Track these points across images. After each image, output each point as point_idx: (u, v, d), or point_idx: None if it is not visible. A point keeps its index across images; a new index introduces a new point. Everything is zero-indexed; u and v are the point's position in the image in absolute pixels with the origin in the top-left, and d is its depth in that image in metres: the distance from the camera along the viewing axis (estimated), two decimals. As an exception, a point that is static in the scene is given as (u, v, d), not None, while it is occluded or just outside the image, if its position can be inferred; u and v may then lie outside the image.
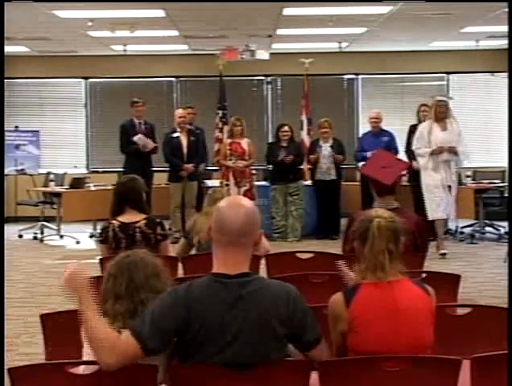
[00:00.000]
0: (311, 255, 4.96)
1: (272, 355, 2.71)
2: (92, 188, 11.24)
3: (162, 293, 2.83)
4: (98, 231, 5.36)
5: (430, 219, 9.09)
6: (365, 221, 3.08)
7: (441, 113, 9.30)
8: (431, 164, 9.27)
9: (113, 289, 2.96)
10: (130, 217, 5.03)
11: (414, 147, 9.54)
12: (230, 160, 10.41)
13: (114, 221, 5.02)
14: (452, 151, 9.23)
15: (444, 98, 9.64)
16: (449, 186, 9.25)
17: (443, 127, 9.30)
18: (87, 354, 2.88)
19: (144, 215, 5.06)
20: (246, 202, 2.83)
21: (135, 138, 10.58)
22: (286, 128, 10.74)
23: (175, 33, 10.87)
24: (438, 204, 9.21)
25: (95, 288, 2.78)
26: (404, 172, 9.69)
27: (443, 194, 9.23)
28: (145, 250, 3.17)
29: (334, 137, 10.87)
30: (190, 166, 10.50)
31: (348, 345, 3.00)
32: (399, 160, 5.82)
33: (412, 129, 10.71)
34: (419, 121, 10.61)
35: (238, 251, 2.74)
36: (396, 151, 10.30)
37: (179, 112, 10.92)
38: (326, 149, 10.77)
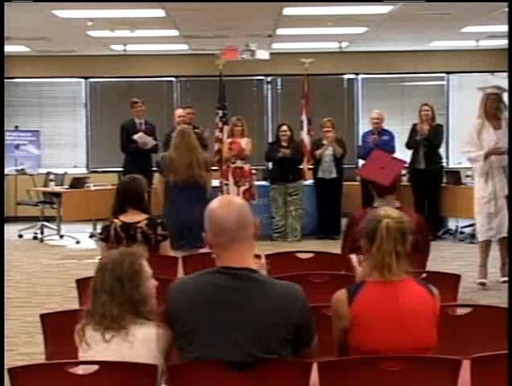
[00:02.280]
0: (311, 255, 4.96)
1: (271, 355, 2.69)
2: (92, 188, 11.24)
3: (141, 288, 2.91)
4: (98, 231, 5.36)
5: (480, 240, 7.74)
6: (374, 221, 3.07)
7: (493, 109, 7.58)
8: (485, 170, 7.59)
9: (98, 288, 2.94)
10: (131, 217, 5.03)
11: (464, 151, 7.85)
12: (230, 160, 10.45)
13: (116, 220, 5.03)
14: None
15: (497, 90, 7.73)
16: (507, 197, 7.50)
17: (496, 125, 7.59)
18: (81, 357, 2.88)
19: (145, 215, 5.06)
20: (234, 199, 2.94)
21: (135, 137, 10.60)
22: (284, 127, 10.79)
23: (175, 33, 10.87)
24: (488, 222, 7.57)
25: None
26: (403, 171, 9.71)
27: (495, 208, 7.54)
28: (123, 248, 3.14)
29: (336, 137, 10.88)
30: None
31: (350, 342, 3.00)
32: (396, 159, 5.81)
33: (414, 128, 10.74)
34: (421, 121, 10.64)
35: (240, 246, 2.76)
36: (393, 151, 10.30)
37: (179, 112, 10.93)
38: (328, 148, 10.79)
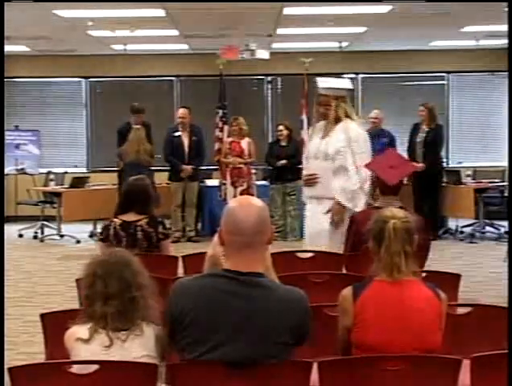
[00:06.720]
0: (311, 255, 4.96)
1: (272, 359, 2.69)
2: (93, 188, 11.24)
3: (147, 288, 2.88)
4: (99, 230, 5.33)
5: None
6: (380, 222, 3.07)
7: (318, 113, 5.78)
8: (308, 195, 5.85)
9: (103, 291, 2.87)
10: (132, 216, 5.01)
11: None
12: (229, 164, 10.46)
13: (116, 219, 5.00)
14: (310, 183, 5.72)
15: (330, 85, 5.87)
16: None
17: (326, 132, 5.70)
18: (75, 355, 2.88)
19: (146, 215, 5.04)
20: (256, 201, 2.81)
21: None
22: (280, 127, 10.85)
23: (175, 32, 10.87)
24: None
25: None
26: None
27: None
28: (123, 249, 3.11)
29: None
30: (189, 167, 10.53)
31: (352, 339, 3.01)
32: (408, 162, 5.55)
33: (415, 127, 10.73)
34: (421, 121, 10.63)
35: (252, 250, 2.71)
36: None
37: (181, 111, 10.90)
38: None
